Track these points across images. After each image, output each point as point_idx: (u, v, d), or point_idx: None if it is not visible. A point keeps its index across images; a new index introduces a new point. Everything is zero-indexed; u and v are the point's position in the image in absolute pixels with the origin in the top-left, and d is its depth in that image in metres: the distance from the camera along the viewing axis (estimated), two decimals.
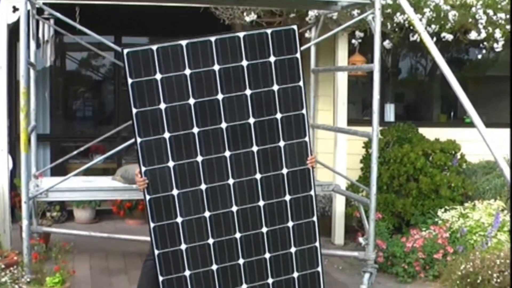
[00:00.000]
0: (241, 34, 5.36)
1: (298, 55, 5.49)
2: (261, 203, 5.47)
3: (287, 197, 5.54)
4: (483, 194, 8.34)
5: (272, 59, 5.42)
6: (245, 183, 5.43)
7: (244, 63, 5.35)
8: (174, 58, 5.16)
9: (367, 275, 6.37)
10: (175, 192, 5.24)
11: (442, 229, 7.23)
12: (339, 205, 8.39)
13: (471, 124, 6.16)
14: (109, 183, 7.06)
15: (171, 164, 5.22)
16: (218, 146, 5.33)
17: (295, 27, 5.53)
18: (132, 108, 5.07)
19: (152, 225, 5.22)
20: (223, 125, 5.32)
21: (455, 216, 7.47)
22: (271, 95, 5.43)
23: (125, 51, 5.09)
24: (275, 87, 5.43)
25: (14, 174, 8.58)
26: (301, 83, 5.51)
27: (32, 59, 6.56)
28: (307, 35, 7.93)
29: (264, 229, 5.50)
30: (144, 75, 5.10)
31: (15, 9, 7.26)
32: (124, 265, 7.32)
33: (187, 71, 5.20)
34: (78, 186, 6.74)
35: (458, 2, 8.51)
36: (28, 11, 5.77)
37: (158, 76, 5.12)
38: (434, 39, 7.55)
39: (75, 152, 7.54)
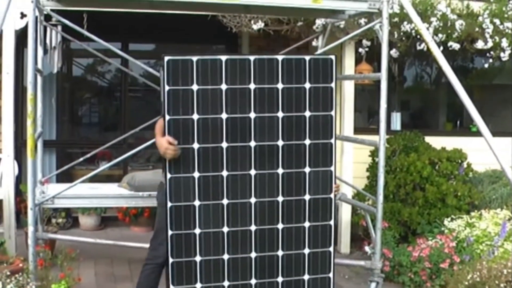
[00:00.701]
0: (280, 57, 5.39)
1: (333, 84, 5.51)
2: (280, 226, 5.47)
3: (306, 224, 5.55)
4: (489, 203, 8.32)
5: (307, 85, 5.45)
6: (266, 204, 5.43)
7: (280, 85, 5.38)
8: (212, 72, 5.19)
9: (373, 284, 6.34)
10: (197, 202, 5.24)
11: (448, 238, 7.21)
12: (345, 214, 8.38)
13: (477, 133, 6.14)
14: (115, 190, 7.04)
15: (196, 174, 5.22)
16: (244, 163, 5.35)
17: (333, 57, 5.56)
18: (165, 114, 5.09)
19: (170, 232, 5.20)
20: (252, 143, 5.34)
21: (461, 225, 7.45)
22: (302, 121, 5.45)
23: (166, 58, 5.10)
24: (307, 113, 5.45)
25: (19, 179, 8.58)
26: (332, 113, 5.53)
27: (39, 65, 6.56)
28: (314, 43, 7.93)
29: (280, 253, 5.50)
30: (181, 84, 5.13)
31: (22, 15, 7.28)
32: (130, 272, 7.31)
33: (223, 86, 5.22)
34: (84, 193, 6.73)
35: (465, 12, 8.51)
36: (36, 17, 5.76)
37: (195, 87, 5.15)
38: (441, 48, 7.54)
39: (81, 159, 7.54)
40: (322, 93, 5.50)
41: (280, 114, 5.38)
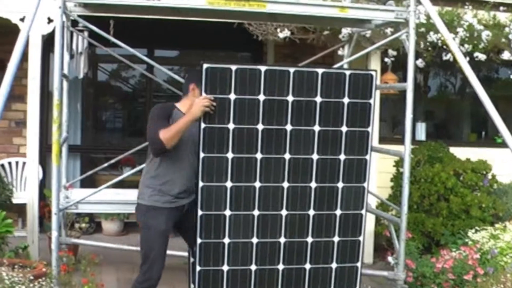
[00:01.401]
0: (319, 70, 5.35)
1: (372, 101, 5.48)
2: (309, 239, 5.47)
3: (336, 239, 5.54)
4: None
5: (345, 100, 5.41)
6: (297, 217, 5.42)
7: (318, 99, 5.34)
8: (251, 82, 5.17)
9: None
10: (227, 212, 5.23)
11: (472, 250, 7.14)
12: (368, 224, 8.29)
13: (502, 144, 6.09)
14: None
15: (229, 184, 5.22)
16: (278, 175, 5.33)
17: (373, 73, 5.55)
18: (201, 122, 5.07)
19: (199, 241, 5.22)
20: (287, 156, 5.32)
21: (485, 237, 7.38)
22: (338, 136, 5.42)
23: (205, 65, 5.08)
24: (344, 129, 5.43)
25: (43, 184, 8.62)
26: (369, 129, 5.50)
27: (65, 71, 6.59)
28: (340, 52, 7.91)
29: (308, 266, 5.50)
30: (219, 92, 5.10)
31: (49, 21, 7.32)
32: None
33: (261, 97, 5.21)
34: (108, 199, 6.74)
35: (491, 22, 8.46)
36: (63, 23, 5.79)
37: (232, 96, 5.13)
38: (467, 58, 7.48)
39: (106, 164, 7.55)
40: (360, 109, 5.46)
41: (317, 128, 5.34)
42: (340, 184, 5.45)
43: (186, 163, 5.18)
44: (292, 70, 5.29)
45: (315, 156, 5.37)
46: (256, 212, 5.29)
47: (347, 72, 5.45)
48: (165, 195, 5.12)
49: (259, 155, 5.22)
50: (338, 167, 5.44)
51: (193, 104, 5.00)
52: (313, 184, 5.39)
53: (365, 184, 5.54)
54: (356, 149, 5.47)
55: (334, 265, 5.56)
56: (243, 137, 5.18)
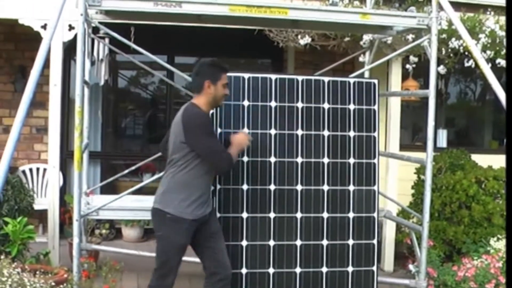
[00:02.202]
0: (326, 79, 5.67)
1: (376, 107, 5.78)
2: (325, 242, 5.63)
3: (350, 242, 5.69)
4: None
5: (351, 106, 5.71)
6: (312, 220, 5.59)
7: (326, 105, 5.65)
8: (263, 89, 5.47)
9: None
10: (244, 215, 5.38)
11: (494, 258, 7.08)
12: (389, 231, 8.30)
13: None
14: None
15: (245, 187, 5.43)
16: (291, 178, 5.55)
17: (376, 81, 5.88)
18: (217, 127, 5.34)
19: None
20: (299, 159, 5.56)
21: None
22: (347, 140, 5.69)
23: None
24: (351, 133, 5.70)
25: (63, 190, 8.64)
26: (375, 134, 5.76)
27: (86, 78, 6.60)
28: (361, 59, 7.89)
29: (324, 269, 5.63)
30: (233, 99, 5.38)
31: (71, 28, 7.36)
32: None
33: (273, 103, 5.50)
34: (128, 205, 6.73)
35: None
36: (84, 30, 5.80)
37: (246, 102, 5.43)
38: (489, 64, 7.45)
39: (126, 171, 7.54)
40: (365, 115, 5.76)
41: (326, 133, 5.62)
42: (351, 187, 5.67)
43: (211, 176, 5.21)
44: (300, 78, 5.62)
45: (326, 160, 5.62)
46: (272, 215, 5.50)
47: (351, 81, 5.78)
48: (193, 205, 5.08)
49: (273, 159, 5.47)
50: (348, 171, 5.67)
51: (239, 138, 5.20)
52: (325, 187, 5.61)
53: (375, 187, 5.71)
54: (364, 153, 5.73)
55: (350, 269, 5.64)
56: (258, 141, 5.41)
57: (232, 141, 5.17)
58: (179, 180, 5.10)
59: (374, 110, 5.77)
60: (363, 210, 5.67)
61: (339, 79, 5.77)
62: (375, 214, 5.70)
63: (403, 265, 8.08)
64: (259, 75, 5.47)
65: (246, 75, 5.41)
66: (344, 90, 5.68)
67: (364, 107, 5.74)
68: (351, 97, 5.70)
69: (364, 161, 5.73)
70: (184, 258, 5.26)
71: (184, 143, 4.96)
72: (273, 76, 5.52)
